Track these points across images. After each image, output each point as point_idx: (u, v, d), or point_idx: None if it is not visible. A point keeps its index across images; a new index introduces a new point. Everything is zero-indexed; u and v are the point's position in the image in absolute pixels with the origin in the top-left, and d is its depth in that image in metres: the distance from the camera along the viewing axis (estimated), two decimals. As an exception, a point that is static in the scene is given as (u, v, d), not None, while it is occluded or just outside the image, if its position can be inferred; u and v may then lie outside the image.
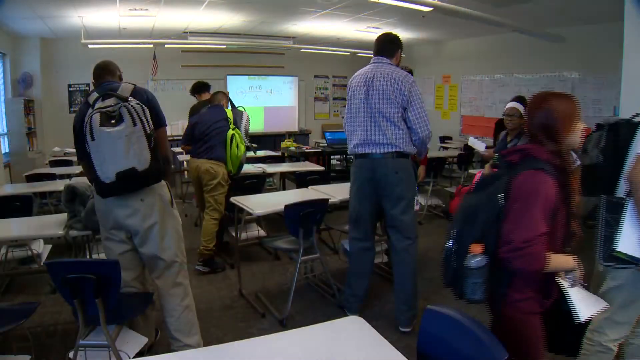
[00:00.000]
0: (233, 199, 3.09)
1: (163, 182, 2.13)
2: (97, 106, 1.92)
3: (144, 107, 1.95)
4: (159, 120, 2.11)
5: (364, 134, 2.58)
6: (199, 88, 4.86)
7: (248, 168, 4.40)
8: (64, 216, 2.74)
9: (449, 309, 1.26)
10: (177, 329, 2.13)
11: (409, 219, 2.62)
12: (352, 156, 2.76)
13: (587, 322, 1.42)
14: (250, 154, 4.62)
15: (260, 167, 4.73)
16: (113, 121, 1.86)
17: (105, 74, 2.21)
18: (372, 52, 2.70)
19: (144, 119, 1.92)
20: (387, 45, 2.67)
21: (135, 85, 2.10)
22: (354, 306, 2.81)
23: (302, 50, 7.80)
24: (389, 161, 2.54)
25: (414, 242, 2.66)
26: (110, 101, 1.93)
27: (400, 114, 2.52)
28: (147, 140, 1.92)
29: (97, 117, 1.86)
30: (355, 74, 2.70)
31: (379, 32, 2.79)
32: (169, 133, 3.97)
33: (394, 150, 2.53)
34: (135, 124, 1.89)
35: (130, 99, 1.96)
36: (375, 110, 2.53)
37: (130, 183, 1.94)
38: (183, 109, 5.46)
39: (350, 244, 2.82)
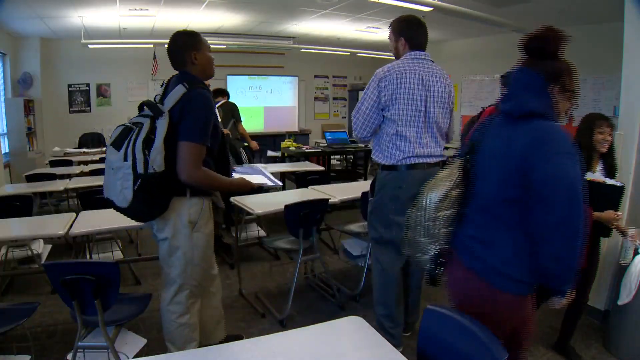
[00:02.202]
0: (233, 199, 3.09)
1: (193, 201, 1.89)
2: (142, 113, 1.81)
3: (150, 140, 1.71)
4: (184, 132, 1.77)
5: (420, 145, 2.26)
6: (214, 94, 4.79)
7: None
8: (64, 216, 2.75)
9: (449, 309, 1.26)
10: (169, 340, 2.06)
11: None
12: (384, 167, 2.30)
13: None
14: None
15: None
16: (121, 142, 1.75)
17: (173, 63, 1.92)
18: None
19: (138, 156, 1.69)
20: (427, 38, 2.34)
21: (190, 90, 1.80)
22: (398, 335, 2.40)
23: (302, 50, 7.79)
24: (437, 170, 2.34)
25: None
26: (146, 110, 1.80)
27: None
28: (134, 180, 1.70)
29: (117, 131, 1.78)
30: (402, 70, 2.21)
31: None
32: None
33: (442, 159, 2.34)
34: (125, 159, 1.70)
35: (164, 115, 1.75)
36: (433, 121, 2.27)
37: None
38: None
39: (392, 268, 2.38)
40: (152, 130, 1.73)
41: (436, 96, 2.26)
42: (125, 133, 1.75)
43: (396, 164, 2.26)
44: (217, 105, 4.23)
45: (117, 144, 1.74)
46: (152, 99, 1.90)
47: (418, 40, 2.30)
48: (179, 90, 1.79)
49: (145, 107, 1.82)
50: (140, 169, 1.69)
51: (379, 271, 2.44)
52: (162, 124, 1.73)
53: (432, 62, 2.32)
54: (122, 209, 1.78)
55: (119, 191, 1.73)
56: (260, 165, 2.34)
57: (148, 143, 1.71)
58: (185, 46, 1.88)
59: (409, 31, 2.30)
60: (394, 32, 2.34)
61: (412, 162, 2.26)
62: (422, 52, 2.30)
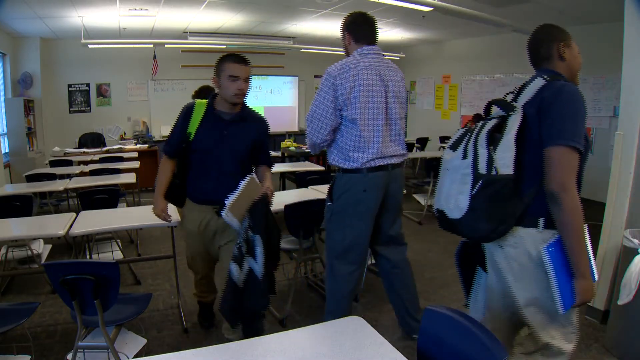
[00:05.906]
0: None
1: (546, 236, 1.36)
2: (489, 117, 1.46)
3: (495, 138, 1.36)
4: (550, 133, 1.32)
5: (383, 145, 2.16)
6: (201, 93, 4.21)
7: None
8: (64, 216, 2.74)
9: (449, 309, 1.26)
10: None
11: (401, 225, 2.44)
12: (347, 170, 2.18)
13: None
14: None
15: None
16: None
17: (534, 57, 1.53)
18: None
19: (481, 151, 1.35)
20: (376, 31, 2.26)
21: (551, 81, 1.37)
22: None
23: (302, 50, 7.80)
24: (402, 171, 2.30)
25: (406, 245, 2.50)
26: (494, 113, 1.46)
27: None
28: (474, 182, 1.35)
29: (457, 134, 1.49)
30: (358, 65, 2.11)
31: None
32: (166, 133, 3.83)
33: (405, 158, 2.28)
34: (465, 157, 1.39)
35: (517, 110, 1.36)
36: (393, 115, 2.19)
37: None
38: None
39: (344, 275, 2.29)
40: (498, 127, 1.38)
41: (395, 91, 2.18)
42: (465, 134, 1.45)
43: (360, 167, 2.14)
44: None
45: (455, 145, 1.45)
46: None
47: (363, 34, 2.21)
48: (537, 83, 1.41)
49: (490, 110, 1.50)
50: (483, 168, 1.32)
51: (333, 282, 2.33)
52: (514, 120, 1.35)
53: (384, 55, 2.24)
54: (453, 222, 1.40)
55: (453, 197, 1.38)
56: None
57: (494, 140, 1.35)
58: (551, 36, 1.49)
59: (354, 26, 2.22)
60: (341, 29, 2.27)
61: (377, 165, 2.16)
62: (373, 46, 2.21)
